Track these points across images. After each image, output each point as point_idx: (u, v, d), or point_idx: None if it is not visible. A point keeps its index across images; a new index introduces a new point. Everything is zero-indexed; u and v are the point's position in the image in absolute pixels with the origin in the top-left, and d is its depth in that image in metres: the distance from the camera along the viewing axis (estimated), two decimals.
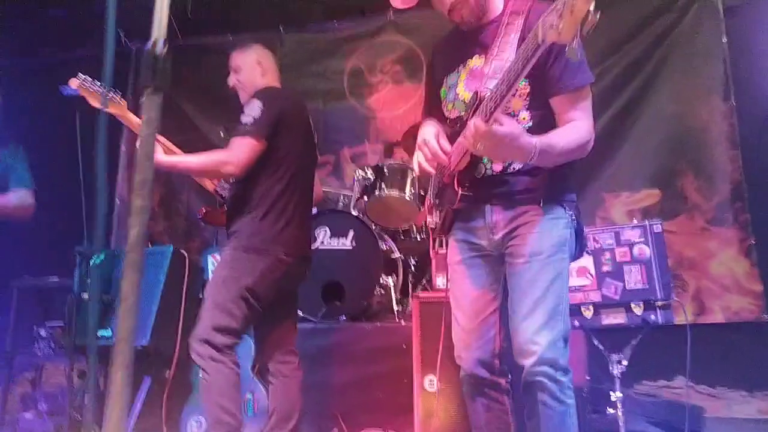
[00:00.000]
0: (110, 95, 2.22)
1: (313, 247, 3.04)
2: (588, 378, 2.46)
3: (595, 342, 2.30)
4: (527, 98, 1.61)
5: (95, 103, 2.26)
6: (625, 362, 2.23)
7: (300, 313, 2.94)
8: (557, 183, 1.64)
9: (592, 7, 1.11)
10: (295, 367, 2.28)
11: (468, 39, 1.69)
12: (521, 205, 1.63)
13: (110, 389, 0.76)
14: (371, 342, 2.80)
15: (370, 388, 2.71)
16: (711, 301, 3.46)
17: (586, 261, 2.25)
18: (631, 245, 2.20)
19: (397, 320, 2.87)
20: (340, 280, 2.99)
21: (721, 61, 3.61)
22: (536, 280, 1.58)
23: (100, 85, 2.23)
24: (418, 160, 1.67)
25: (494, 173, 1.64)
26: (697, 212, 3.58)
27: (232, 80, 2.44)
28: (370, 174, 3.29)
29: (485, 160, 1.63)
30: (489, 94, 1.43)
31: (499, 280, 1.71)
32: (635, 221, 2.33)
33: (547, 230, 1.60)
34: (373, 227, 3.15)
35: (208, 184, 2.46)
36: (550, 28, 1.18)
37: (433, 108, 1.81)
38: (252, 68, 2.42)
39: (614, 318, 2.21)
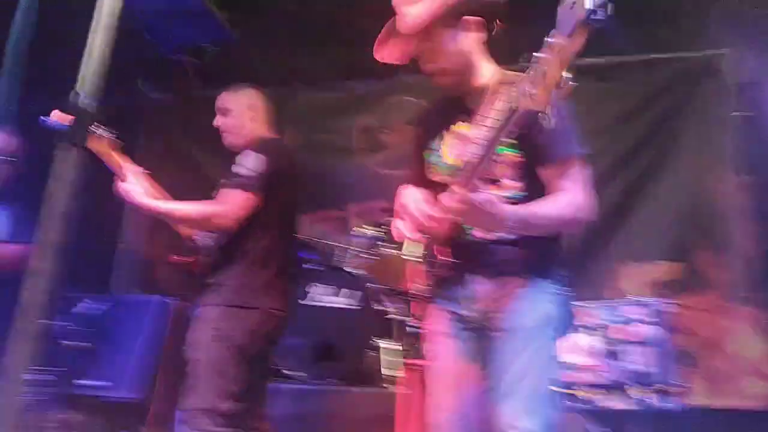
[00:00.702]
0: (98, 132, 2.01)
1: (308, 304, 2.99)
2: None
3: (592, 427, 2.14)
4: (519, 168, 1.57)
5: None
6: None
7: (289, 372, 2.84)
8: (544, 255, 1.57)
9: (565, 75, 1.09)
10: None
11: (455, 104, 1.68)
12: (504, 276, 1.56)
13: None
14: (360, 408, 2.66)
15: None
16: (725, 384, 3.25)
17: (585, 338, 2.12)
18: (632, 323, 2.08)
19: (388, 386, 2.74)
20: (333, 339, 2.89)
21: (733, 134, 3.56)
22: (518, 357, 1.48)
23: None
24: (397, 226, 1.61)
25: (477, 240, 1.57)
26: (712, 288, 3.43)
27: (218, 122, 2.38)
28: (370, 231, 3.23)
29: (468, 227, 1.57)
30: (468, 160, 1.39)
31: (482, 354, 1.60)
32: (631, 297, 2.22)
33: (531, 304, 1.52)
34: (372, 286, 3.06)
35: (183, 230, 2.36)
36: (524, 95, 1.17)
37: (418, 170, 1.77)
38: (242, 112, 2.37)
39: (612, 400, 2.06)
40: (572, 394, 2.09)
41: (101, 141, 2.09)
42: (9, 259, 2.55)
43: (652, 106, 3.82)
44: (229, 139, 2.37)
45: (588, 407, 2.11)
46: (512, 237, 1.54)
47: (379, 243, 3.08)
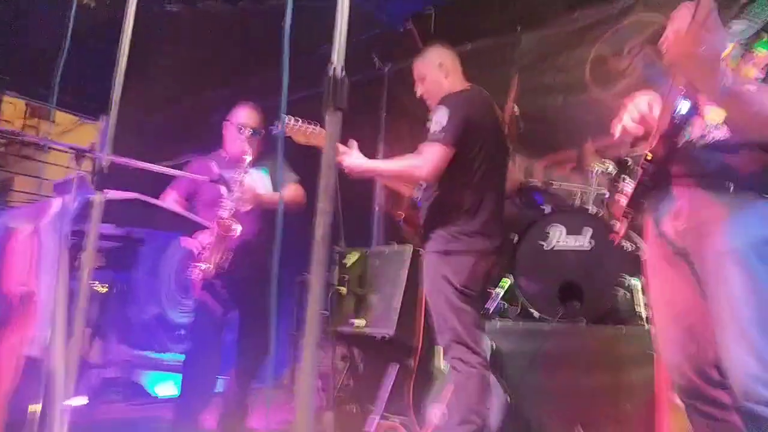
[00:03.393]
0: (313, 129, 2.37)
1: (547, 247, 3.00)
2: None
3: None
4: (764, 69, 1.35)
5: (300, 140, 2.42)
6: None
7: (537, 312, 2.91)
8: (757, 159, 1.34)
9: None
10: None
11: None
12: (711, 191, 1.38)
13: (299, 376, 0.90)
14: (615, 347, 2.60)
15: (615, 398, 2.52)
16: None
17: None
18: None
19: (643, 324, 2.62)
20: (578, 280, 2.85)
21: None
22: (727, 287, 1.32)
23: (304, 122, 2.39)
24: (623, 120, 1.55)
25: (688, 145, 1.41)
26: None
27: (419, 91, 2.57)
28: (611, 167, 3.06)
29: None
30: None
31: (694, 278, 1.45)
32: None
33: (741, 225, 1.33)
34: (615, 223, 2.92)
35: (404, 189, 2.62)
36: None
37: None
38: (435, 73, 2.51)
39: None
40: None
41: (308, 133, 2.37)
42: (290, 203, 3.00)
43: None
44: (430, 103, 2.52)
45: None
46: (728, 139, 1.36)
47: (620, 177, 2.91)
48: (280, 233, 1.16)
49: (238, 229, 2.79)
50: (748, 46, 1.36)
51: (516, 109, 3.22)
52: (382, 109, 5.27)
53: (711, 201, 1.40)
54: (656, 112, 1.50)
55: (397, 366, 2.95)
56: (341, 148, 2.39)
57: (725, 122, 1.38)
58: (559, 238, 2.95)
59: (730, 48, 1.38)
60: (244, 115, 3.08)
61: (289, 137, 2.51)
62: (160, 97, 5.47)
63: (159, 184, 3.05)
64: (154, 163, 2.41)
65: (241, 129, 2.98)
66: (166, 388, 4.53)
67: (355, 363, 3.24)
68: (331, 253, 3.16)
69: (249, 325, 3.03)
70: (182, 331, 5.21)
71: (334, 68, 0.89)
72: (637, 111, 1.50)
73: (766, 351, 1.26)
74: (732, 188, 1.36)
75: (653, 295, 1.61)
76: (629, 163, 2.99)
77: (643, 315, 2.65)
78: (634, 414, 2.43)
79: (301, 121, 2.43)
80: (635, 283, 2.72)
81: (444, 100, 2.36)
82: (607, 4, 4.15)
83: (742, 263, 1.32)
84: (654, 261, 1.59)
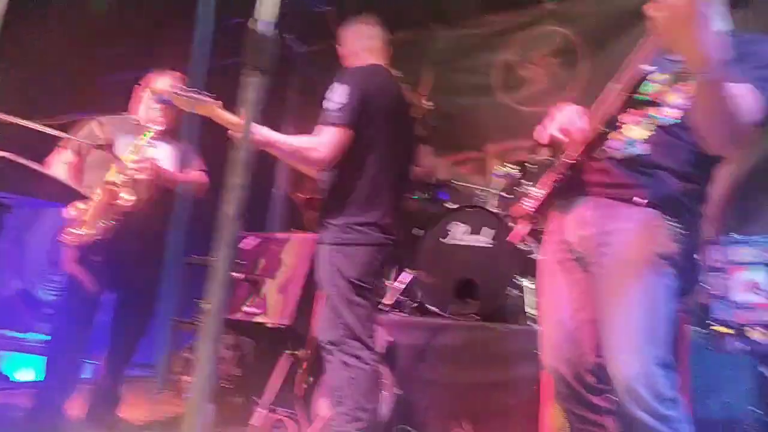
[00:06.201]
0: (199, 98, 2.19)
1: (448, 243, 3.04)
2: (753, 410, 2.11)
3: (764, 369, 1.97)
4: (689, 99, 1.42)
5: (185, 107, 2.27)
6: None
7: (430, 306, 2.93)
8: (669, 185, 1.44)
9: None
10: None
11: None
12: (621, 203, 1.46)
13: (197, 359, 0.79)
14: (503, 344, 2.69)
15: (498, 392, 2.61)
16: None
17: (756, 274, 1.93)
18: None
19: (531, 324, 2.73)
20: (474, 277, 2.92)
21: None
22: (623, 295, 1.39)
23: (192, 91, 2.22)
24: (549, 127, 1.56)
25: (607, 153, 1.47)
26: None
27: (339, 52, 2.47)
28: (512, 170, 3.16)
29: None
30: None
31: (589, 286, 1.53)
32: None
33: (645, 240, 1.40)
34: (512, 225, 3.02)
35: (309, 171, 2.48)
36: None
37: None
38: (350, 43, 2.44)
39: None
40: (746, 335, 1.93)
41: (206, 105, 2.18)
42: (184, 182, 2.90)
43: None
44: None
45: (763, 348, 1.94)
46: (644, 157, 1.42)
47: (521, 182, 3.01)
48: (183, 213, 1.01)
49: (127, 198, 2.54)
50: (681, 77, 1.45)
51: (429, 104, 3.21)
52: (290, 89, 5.10)
53: (619, 213, 1.46)
54: (579, 123, 1.52)
55: (291, 357, 2.84)
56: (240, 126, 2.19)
57: (691, 105, 1.35)
58: (459, 234, 3.00)
59: (665, 75, 1.45)
60: (159, 83, 2.84)
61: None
62: (48, 52, 4.92)
63: (43, 145, 2.72)
64: (37, 122, 2.12)
65: (154, 96, 2.74)
66: (26, 372, 4.07)
67: (243, 352, 3.09)
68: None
69: (127, 306, 2.79)
70: (49, 310, 4.75)
71: (258, 23, 0.78)
72: (565, 120, 1.52)
73: (650, 357, 1.34)
74: (642, 205, 1.43)
75: (541, 297, 1.67)
76: (534, 168, 3.10)
77: (532, 315, 2.76)
78: (518, 408, 2.52)
79: (183, 89, 2.25)
80: (527, 284, 2.82)
81: (342, 77, 2.19)
82: (518, 12, 4.28)
83: (640, 275, 1.39)
84: (548, 264, 1.63)
